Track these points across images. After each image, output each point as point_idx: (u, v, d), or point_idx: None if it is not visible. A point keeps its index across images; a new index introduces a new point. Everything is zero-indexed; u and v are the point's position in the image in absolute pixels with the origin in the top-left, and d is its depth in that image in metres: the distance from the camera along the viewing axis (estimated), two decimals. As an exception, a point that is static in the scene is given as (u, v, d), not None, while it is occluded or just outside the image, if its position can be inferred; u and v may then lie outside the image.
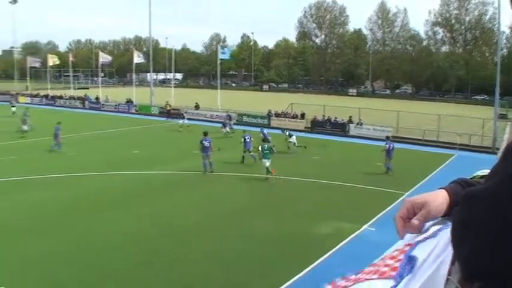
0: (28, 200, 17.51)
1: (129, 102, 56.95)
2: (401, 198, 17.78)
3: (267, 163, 21.43)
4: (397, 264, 1.04)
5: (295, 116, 42.38)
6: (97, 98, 62.20)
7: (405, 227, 1.06)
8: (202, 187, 20.19)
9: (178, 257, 12.65)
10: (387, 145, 23.58)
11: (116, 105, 57.43)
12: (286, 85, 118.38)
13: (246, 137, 25.54)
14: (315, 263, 12.00)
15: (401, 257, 1.04)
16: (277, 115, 43.26)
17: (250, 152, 25.14)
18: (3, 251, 12.74)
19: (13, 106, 50.05)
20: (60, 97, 67.46)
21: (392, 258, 1.06)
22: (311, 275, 11.40)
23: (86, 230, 14.48)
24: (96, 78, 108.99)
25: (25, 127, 33.89)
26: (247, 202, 18.02)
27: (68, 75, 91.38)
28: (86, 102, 61.54)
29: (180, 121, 40.95)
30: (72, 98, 65.64)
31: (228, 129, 36.69)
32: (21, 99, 68.38)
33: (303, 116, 41.97)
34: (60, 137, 27.70)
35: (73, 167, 23.32)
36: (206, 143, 22.54)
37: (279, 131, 31.96)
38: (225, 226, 15.03)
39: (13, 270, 11.58)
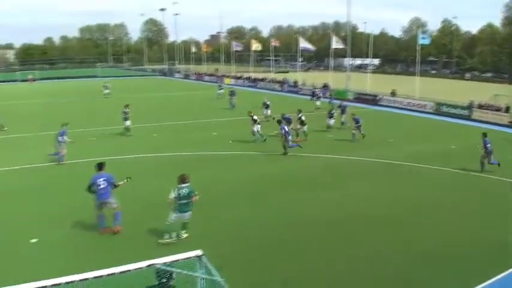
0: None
1: (325, 86, 58.40)
2: None
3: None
4: None
5: (498, 109, 39.08)
6: (295, 82, 65.06)
7: None
8: (380, 176, 20.35)
9: (371, 246, 13.00)
10: (488, 145, 21.10)
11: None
12: (489, 74, 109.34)
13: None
14: (505, 273, 11.21)
15: None
16: (480, 106, 40.41)
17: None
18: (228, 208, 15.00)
19: (221, 88, 53.70)
20: (262, 80, 72.03)
21: None
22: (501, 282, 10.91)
23: (282, 204, 16.26)
24: (295, 63, 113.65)
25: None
26: (436, 197, 17.50)
27: (269, 59, 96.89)
28: (285, 86, 64.83)
29: (318, 102, 42.10)
30: (272, 81, 69.61)
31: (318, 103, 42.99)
32: (227, 80, 74.70)
33: (507, 109, 38.42)
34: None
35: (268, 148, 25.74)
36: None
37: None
38: (415, 221, 15.01)
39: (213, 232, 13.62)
